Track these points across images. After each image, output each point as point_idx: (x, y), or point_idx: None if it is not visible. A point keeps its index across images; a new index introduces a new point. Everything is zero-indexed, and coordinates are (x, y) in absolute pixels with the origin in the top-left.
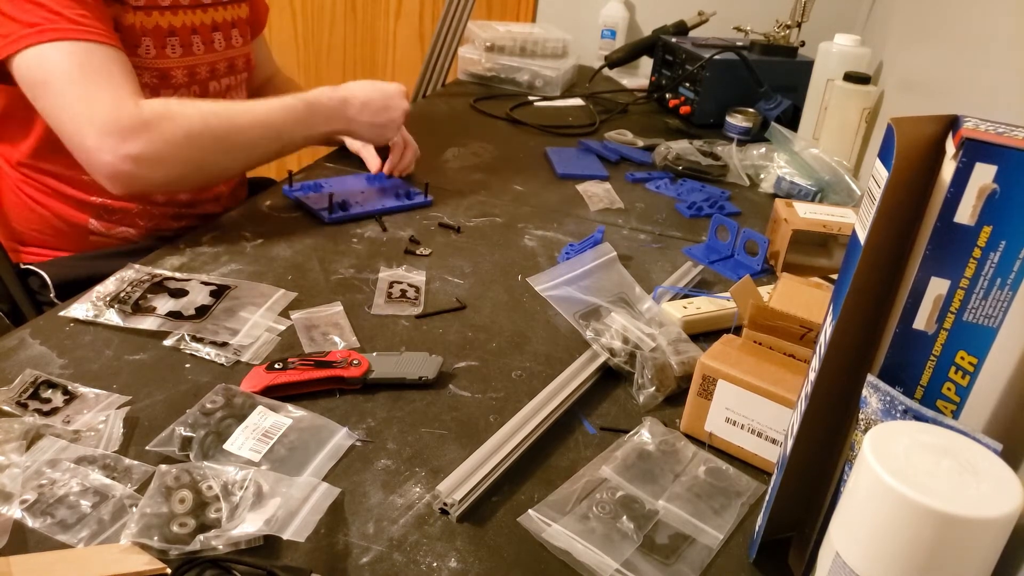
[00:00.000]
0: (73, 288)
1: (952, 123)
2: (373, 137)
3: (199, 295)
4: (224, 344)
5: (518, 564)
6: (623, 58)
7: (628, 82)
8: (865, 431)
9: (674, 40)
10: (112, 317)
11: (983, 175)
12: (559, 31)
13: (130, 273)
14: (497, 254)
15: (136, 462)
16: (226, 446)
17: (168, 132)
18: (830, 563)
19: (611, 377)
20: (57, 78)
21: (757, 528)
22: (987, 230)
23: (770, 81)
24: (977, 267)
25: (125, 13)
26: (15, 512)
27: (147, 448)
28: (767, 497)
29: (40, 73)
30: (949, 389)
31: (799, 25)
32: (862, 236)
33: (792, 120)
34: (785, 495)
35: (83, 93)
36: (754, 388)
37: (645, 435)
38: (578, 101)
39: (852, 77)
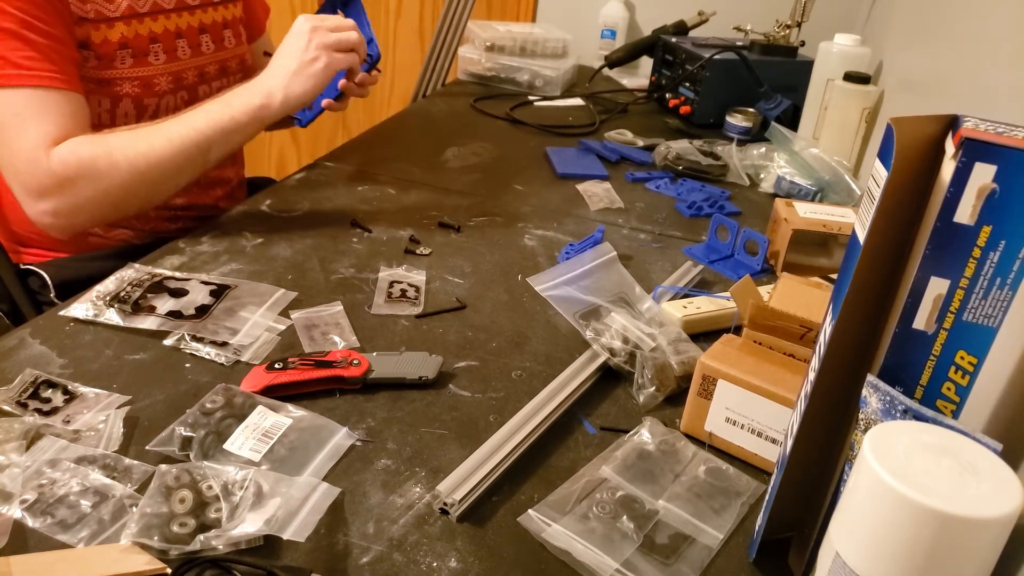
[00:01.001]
0: (73, 288)
1: (952, 123)
2: (317, 88)
3: (199, 295)
4: (224, 344)
5: (518, 564)
6: (623, 58)
7: (628, 82)
8: (865, 431)
9: (674, 40)
10: (112, 317)
11: (983, 175)
12: (559, 31)
13: (130, 273)
14: (497, 254)
15: (136, 462)
16: (226, 446)
17: (77, 182)
18: (830, 563)
19: (611, 377)
20: None
21: (757, 528)
22: (987, 230)
23: (770, 81)
24: (977, 267)
25: (95, 30)
26: (15, 512)
27: (147, 448)
28: (767, 497)
29: None
30: (949, 389)
31: (799, 25)
32: (862, 236)
33: (792, 120)
34: (785, 495)
35: (8, 150)
36: (754, 388)
37: (645, 435)
38: (578, 101)
39: (852, 77)
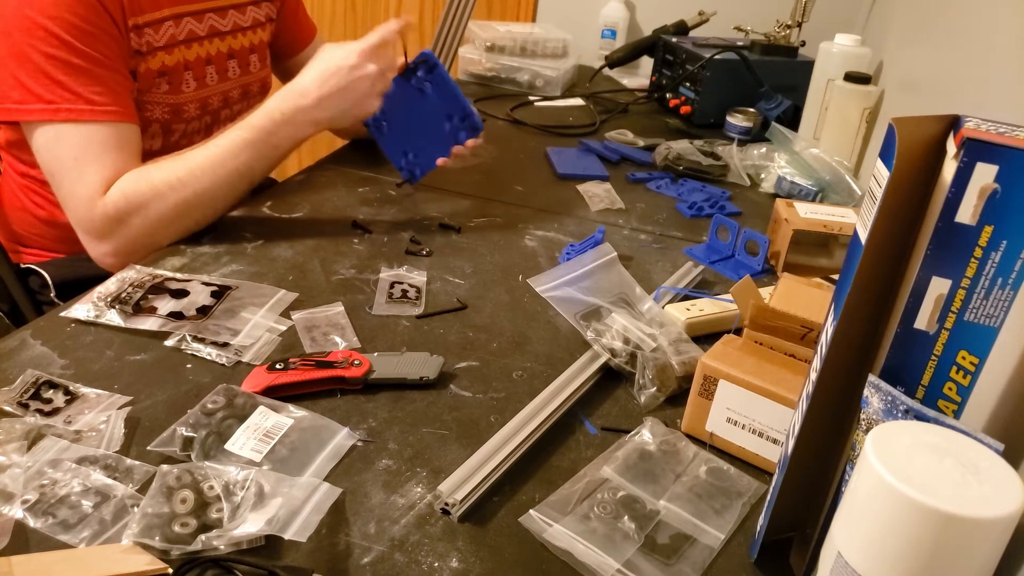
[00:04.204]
0: (74, 288)
1: (953, 123)
2: (354, 120)
3: (200, 296)
4: (225, 344)
5: (519, 564)
6: (623, 58)
7: (628, 82)
8: (867, 431)
9: (674, 40)
10: (113, 318)
11: (984, 175)
12: (559, 31)
13: (131, 274)
14: (498, 254)
15: (137, 462)
16: (227, 446)
17: (130, 221)
18: (832, 563)
19: (612, 377)
20: (57, 167)
21: (758, 528)
22: (988, 230)
23: (770, 81)
24: (978, 267)
25: (143, 61)
26: (16, 512)
27: (148, 448)
28: (768, 497)
29: (46, 158)
30: (950, 389)
31: (799, 25)
32: (863, 236)
33: (792, 120)
34: (786, 495)
35: (70, 192)
36: (755, 388)
37: (646, 435)
38: (578, 101)
39: (852, 77)
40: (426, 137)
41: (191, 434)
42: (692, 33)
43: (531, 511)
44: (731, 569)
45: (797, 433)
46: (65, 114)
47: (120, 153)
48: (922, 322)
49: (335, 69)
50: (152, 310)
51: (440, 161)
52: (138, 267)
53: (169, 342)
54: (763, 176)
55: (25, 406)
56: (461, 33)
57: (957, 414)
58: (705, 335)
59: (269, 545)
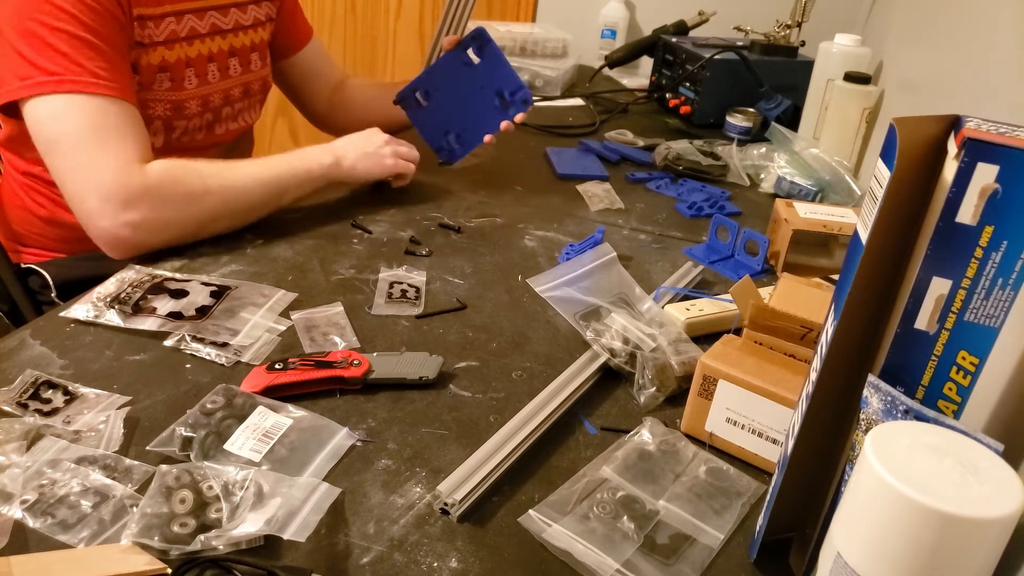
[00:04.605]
0: (74, 288)
1: (954, 123)
2: (366, 179)
3: (199, 296)
4: (224, 344)
5: (519, 564)
6: (623, 58)
7: (628, 82)
8: (866, 431)
9: (674, 40)
10: (112, 318)
11: (985, 175)
12: (559, 31)
13: (130, 274)
14: (497, 254)
15: (136, 462)
16: (227, 446)
17: (172, 199)
18: (831, 563)
19: (611, 377)
20: (67, 137)
21: (758, 528)
22: (989, 230)
23: (770, 81)
24: (979, 267)
25: (144, 54)
26: (16, 512)
27: (148, 448)
28: (768, 497)
29: (51, 129)
30: (950, 389)
31: (799, 25)
32: (864, 236)
33: (792, 120)
34: (786, 495)
35: (90, 159)
36: (755, 388)
37: (646, 435)
38: (578, 101)
39: (852, 77)
40: (472, 115)
41: (190, 434)
42: (692, 33)
43: (530, 511)
44: (730, 569)
45: (797, 433)
46: (70, 84)
47: (140, 130)
48: (922, 322)
49: (369, 144)
50: (151, 310)
51: (487, 138)
52: (137, 267)
53: (168, 342)
54: (763, 176)
55: (24, 406)
56: (461, 33)
57: (957, 414)
58: (705, 335)
59: (268, 545)
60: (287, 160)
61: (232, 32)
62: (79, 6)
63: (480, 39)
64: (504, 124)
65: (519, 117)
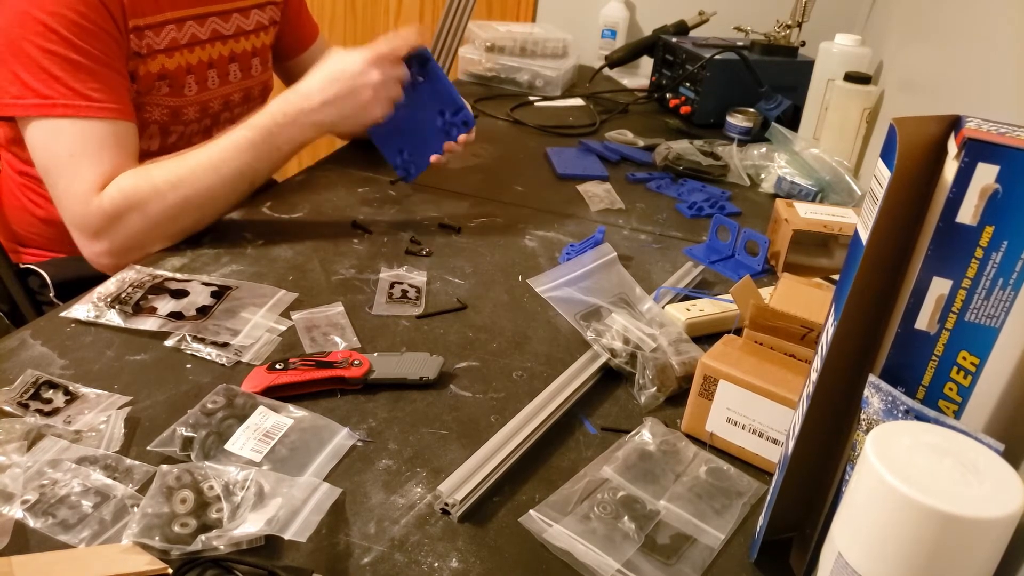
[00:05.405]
0: (73, 288)
1: (954, 123)
2: (358, 126)
3: (200, 296)
4: (225, 344)
5: (519, 564)
6: (623, 58)
7: (628, 82)
8: (867, 431)
9: (674, 40)
10: (113, 318)
11: (985, 175)
12: (559, 31)
13: (131, 274)
14: (498, 255)
15: (137, 462)
16: (227, 446)
17: (129, 219)
18: (832, 563)
19: (612, 377)
20: (53, 164)
21: (758, 528)
22: (989, 230)
23: (770, 81)
24: (979, 267)
25: (143, 64)
26: (16, 512)
27: (148, 448)
28: (768, 497)
29: (40, 154)
30: (951, 389)
31: (799, 25)
32: (864, 236)
33: (792, 120)
34: (786, 495)
35: (66, 187)
36: (755, 388)
37: (646, 435)
38: (578, 101)
39: (852, 77)
40: (420, 134)
41: (191, 434)
42: (692, 33)
43: (531, 511)
44: (731, 569)
45: (797, 433)
46: (62, 109)
47: (117, 151)
48: (923, 322)
49: (339, 74)
50: (152, 310)
51: (434, 159)
52: (138, 267)
53: (169, 342)
54: (763, 176)
55: (25, 406)
56: (461, 33)
57: (957, 414)
58: (705, 335)
59: (269, 545)
60: (240, 136)
61: (233, 37)
62: (72, 28)
63: (420, 57)
64: (447, 145)
65: (462, 138)
